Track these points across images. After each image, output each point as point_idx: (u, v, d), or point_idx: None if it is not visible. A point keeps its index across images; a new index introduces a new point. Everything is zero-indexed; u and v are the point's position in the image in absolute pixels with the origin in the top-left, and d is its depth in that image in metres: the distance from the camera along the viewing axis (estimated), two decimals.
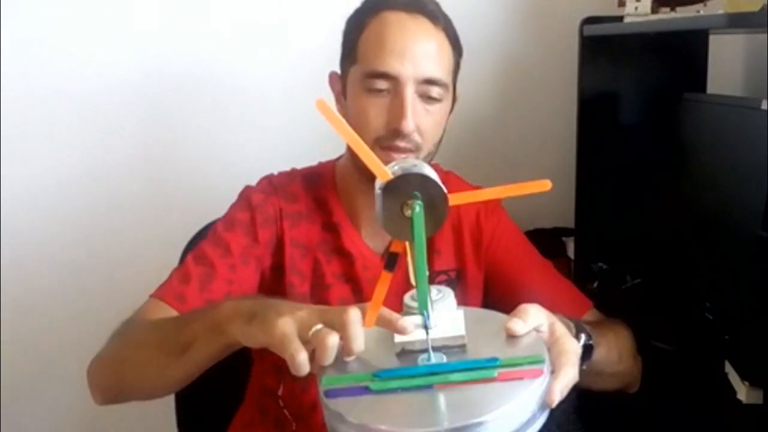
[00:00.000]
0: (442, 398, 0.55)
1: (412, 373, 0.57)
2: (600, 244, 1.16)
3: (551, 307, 0.66)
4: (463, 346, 0.60)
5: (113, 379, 0.81)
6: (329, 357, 0.57)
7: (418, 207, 0.54)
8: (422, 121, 0.86)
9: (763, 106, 0.96)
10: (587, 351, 0.74)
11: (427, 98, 0.86)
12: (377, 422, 0.52)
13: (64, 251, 1.37)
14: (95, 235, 1.38)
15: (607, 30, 1.28)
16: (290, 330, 0.58)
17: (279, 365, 0.93)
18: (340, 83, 0.93)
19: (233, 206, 0.95)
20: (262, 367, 0.97)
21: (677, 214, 1.25)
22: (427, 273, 0.58)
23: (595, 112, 1.36)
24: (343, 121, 0.55)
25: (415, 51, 0.84)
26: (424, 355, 0.59)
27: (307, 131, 1.39)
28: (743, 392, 0.97)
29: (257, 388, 1.00)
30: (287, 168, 1.01)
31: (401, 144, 0.85)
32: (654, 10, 1.19)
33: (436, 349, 0.60)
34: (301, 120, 1.40)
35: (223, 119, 1.40)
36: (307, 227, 0.94)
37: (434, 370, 0.57)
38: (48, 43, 1.29)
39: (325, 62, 0.95)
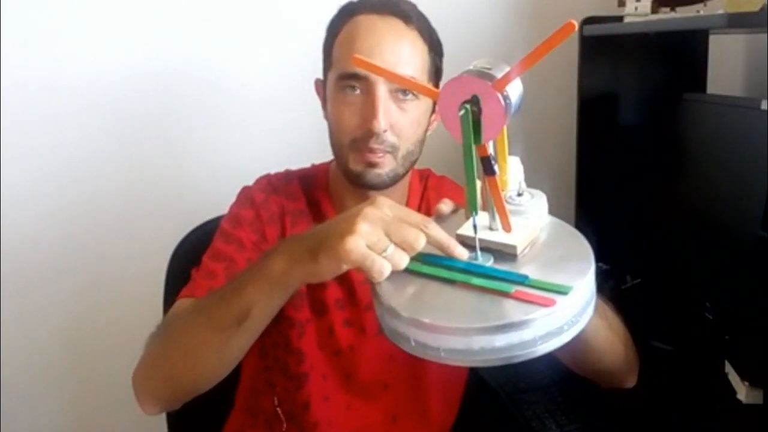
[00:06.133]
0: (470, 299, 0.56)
1: (449, 264, 0.59)
2: (600, 244, 1.16)
3: None
4: (513, 255, 0.60)
5: (166, 378, 0.76)
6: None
7: (464, 110, 0.56)
8: (397, 119, 0.85)
9: (763, 106, 0.96)
10: None
11: (401, 97, 0.86)
12: (427, 317, 0.54)
13: (60, 249, 1.37)
14: (91, 234, 1.37)
15: (607, 30, 1.28)
16: (362, 246, 0.58)
17: (281, 361, 0.94)
18: (323, 89, 0.94)
19: (236, 205, 0.95)
20: (265, 363, 0.96)
21: (677, 214, 1.25)
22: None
23: (595, 112, 1.36)
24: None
25: (384, 50, 0.84)
26: (474, 253, 0.60)
27: (301, 133, 1.39)
28: (743, 392, 0.97)
29: (247, 390, 1.00)
30: (281, 169, 1.01)
31: (374, 145, 0.85)
32: (654, 10, 1.19)
33: (490, 250, 0.61)
34: (296, 121, 1.39)
35: (219, 120, 1.39)
36: (306, 226, 0.94)
37: (468, 269, 0.59)
38: (45, 41, 1.28)
39: (321, 64, 0.94)
